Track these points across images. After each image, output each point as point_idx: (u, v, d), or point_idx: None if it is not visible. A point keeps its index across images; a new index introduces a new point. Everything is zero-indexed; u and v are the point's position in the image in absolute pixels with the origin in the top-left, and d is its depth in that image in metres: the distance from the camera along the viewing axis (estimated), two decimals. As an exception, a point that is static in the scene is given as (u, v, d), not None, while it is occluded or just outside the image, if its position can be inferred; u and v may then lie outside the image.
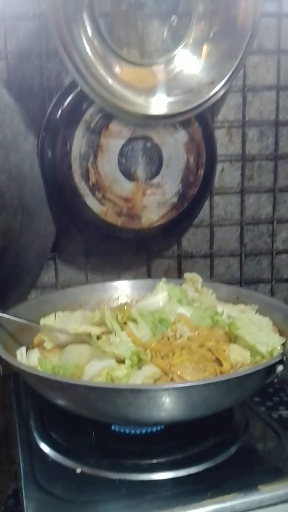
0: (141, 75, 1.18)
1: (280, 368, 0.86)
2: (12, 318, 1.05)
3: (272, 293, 1.49)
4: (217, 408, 0.88)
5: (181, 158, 1.29)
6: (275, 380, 0.88)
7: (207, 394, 0.82)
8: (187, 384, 0.83)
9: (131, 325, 0.99)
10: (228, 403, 0.90)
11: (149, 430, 0.93)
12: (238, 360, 0.93)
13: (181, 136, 1.28)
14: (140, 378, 0.88)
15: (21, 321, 1.07)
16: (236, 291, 1.22)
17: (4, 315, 1.05)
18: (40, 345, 1.11)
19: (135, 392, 0.80)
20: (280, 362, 0.86)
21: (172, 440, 0.93)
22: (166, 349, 0.94)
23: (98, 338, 0.96)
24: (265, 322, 1.04)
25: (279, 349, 0.94)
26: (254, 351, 0.97)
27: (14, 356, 1.00)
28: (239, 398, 0.92)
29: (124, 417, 0.85)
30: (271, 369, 0.86)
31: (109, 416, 0.86)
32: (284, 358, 0.85)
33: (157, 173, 1.29)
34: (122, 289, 1.28)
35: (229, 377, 0.84)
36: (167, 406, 0.80)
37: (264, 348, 0.96)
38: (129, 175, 1.27)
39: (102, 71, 1.12)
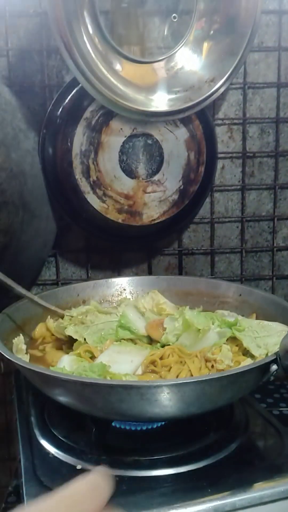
0: (142, 73, 1.18)
1: (274, 367, 0.85)
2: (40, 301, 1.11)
3: (272, 290, 1.49)
4: (212, 406, 0.88)
5: (182, 155, 1.29)
6: (271, 379, 0.87)
7: (200, 392, 0.82)
8: (180, 381, 0.83)
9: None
10: (222, 401, 0.89)
11: (149, 427, 0.93)
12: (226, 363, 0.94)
13: (182, 133, 1.28)
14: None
15: (47, 305, 1.13)
16: (237, 288, 1.22)
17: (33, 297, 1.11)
18: (41, 339, 1.12)
19: (127, 388, 0.80)
20: (274, 361, 0.85)
21: (173, 436, 0.93)
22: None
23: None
24: (278, 328, 1.02)
25: (275, 350, 0.94)
26: (250, 355, 0.97)
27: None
28: (233, 397, 0.92)
29: (119, 413, 0.85)
30: (265, 368, 0.86)
31: (105, 412, 0.86)
32: (278, 357, 0.85)
33: (158, 170, 1.29)
34: (125, 285, 1.29)
35: (222, 374, 0.83)
36: (160, 403, 0.80)
37: (258, 352, 0.96)
38: (130, 172, 1.27)
39: (102, 69, 1.12)
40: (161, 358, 0.96)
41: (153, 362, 0.96)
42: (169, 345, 1.02)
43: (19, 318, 1.09)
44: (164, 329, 1.05)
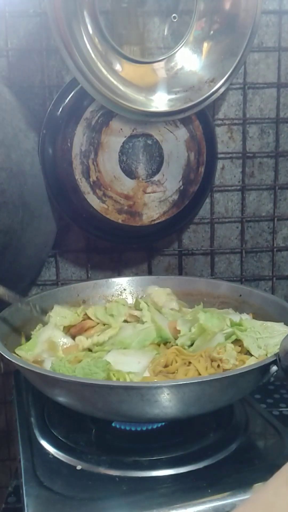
0: (142, 73, 1.18)
1: (273, 368, 0.85)
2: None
3: (272, 290, 1.49)
4: (212, 406, 0.88)
5: (181, 156, 1.29)
6: (271, 380, 0.87)
7: (201, 393, 0.82)
8: (179, 382, 0.83)
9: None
10: (222, 402, 0.89)
11: (149, 427, 0.93)
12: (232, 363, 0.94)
13: (182, 133, 1.28)
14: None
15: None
16: (237, 288, 1.22)
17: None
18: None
19: (127, 389, 0.80)
20: (274, 362, 0.85)
21: (173, 437, 0.93)
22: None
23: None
24: (282, 330, 1.02)
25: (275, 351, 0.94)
26: (249, 354, 0.97)
27: (14, 352, 1.00)
28: (233, 398, 0.92)
29: (119, 414, 0.85)
30: (264, 369, 0.86)
31: (106, 413, 0.86)
32: (278, 358, 0.85)
33: (157, 170, 1.29)
34: (126, 286, 1.29)
35: (222, 375, 0.83)
36: (160, 404, 0.80)
37: (258, 352, 0.96)
38: (130, 173, 1.27)
39: (102, 69, 1.12)
40: (165, 366, 0.96)
41: (160, 372, 0.95)
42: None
43: (18, 319, 1.09)
44: (178, 331, 1.04)
